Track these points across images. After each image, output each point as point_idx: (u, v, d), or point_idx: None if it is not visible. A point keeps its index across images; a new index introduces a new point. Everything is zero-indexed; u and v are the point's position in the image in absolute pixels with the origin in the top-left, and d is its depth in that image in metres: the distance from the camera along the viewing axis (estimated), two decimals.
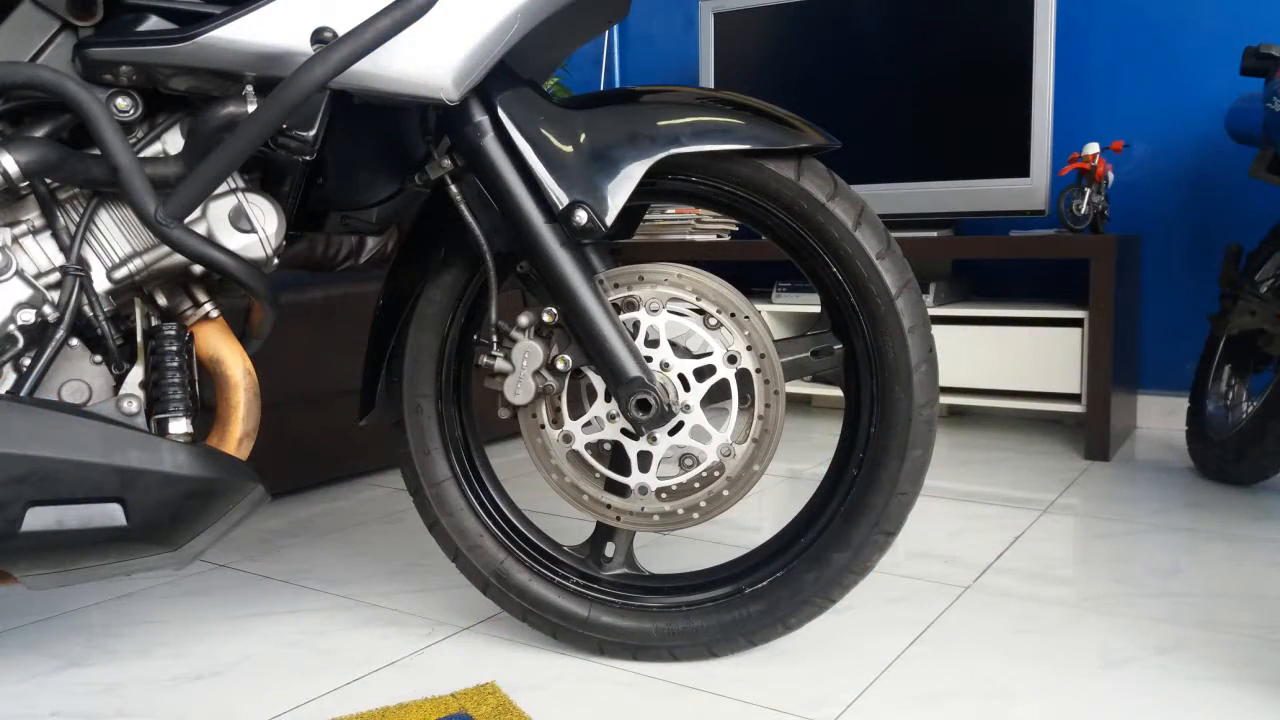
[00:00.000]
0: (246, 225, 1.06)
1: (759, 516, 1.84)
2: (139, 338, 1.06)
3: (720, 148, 1.08)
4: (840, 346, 1.16)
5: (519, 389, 1.11)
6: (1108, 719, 1.07)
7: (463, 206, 1.12)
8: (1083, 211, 2.30)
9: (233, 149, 0.96)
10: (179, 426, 1.04)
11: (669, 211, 2.85)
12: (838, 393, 2.09)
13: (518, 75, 1.12)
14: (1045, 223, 2.58)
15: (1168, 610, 1.36)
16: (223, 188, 1.05)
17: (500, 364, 1.11)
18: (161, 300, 1.08)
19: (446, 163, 1.12)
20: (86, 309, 1.03)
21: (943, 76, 2.52)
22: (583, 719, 1.09)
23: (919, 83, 2.55)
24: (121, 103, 1.03)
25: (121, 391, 1.04)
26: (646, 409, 1.09)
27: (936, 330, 2.46)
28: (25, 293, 1.01)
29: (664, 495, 1.13)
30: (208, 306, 1.10)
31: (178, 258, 1.05)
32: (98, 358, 1.04)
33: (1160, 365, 2.58)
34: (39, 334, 1.02)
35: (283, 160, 1.05)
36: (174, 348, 1.05)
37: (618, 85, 3.39)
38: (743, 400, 1.11)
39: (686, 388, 1.11)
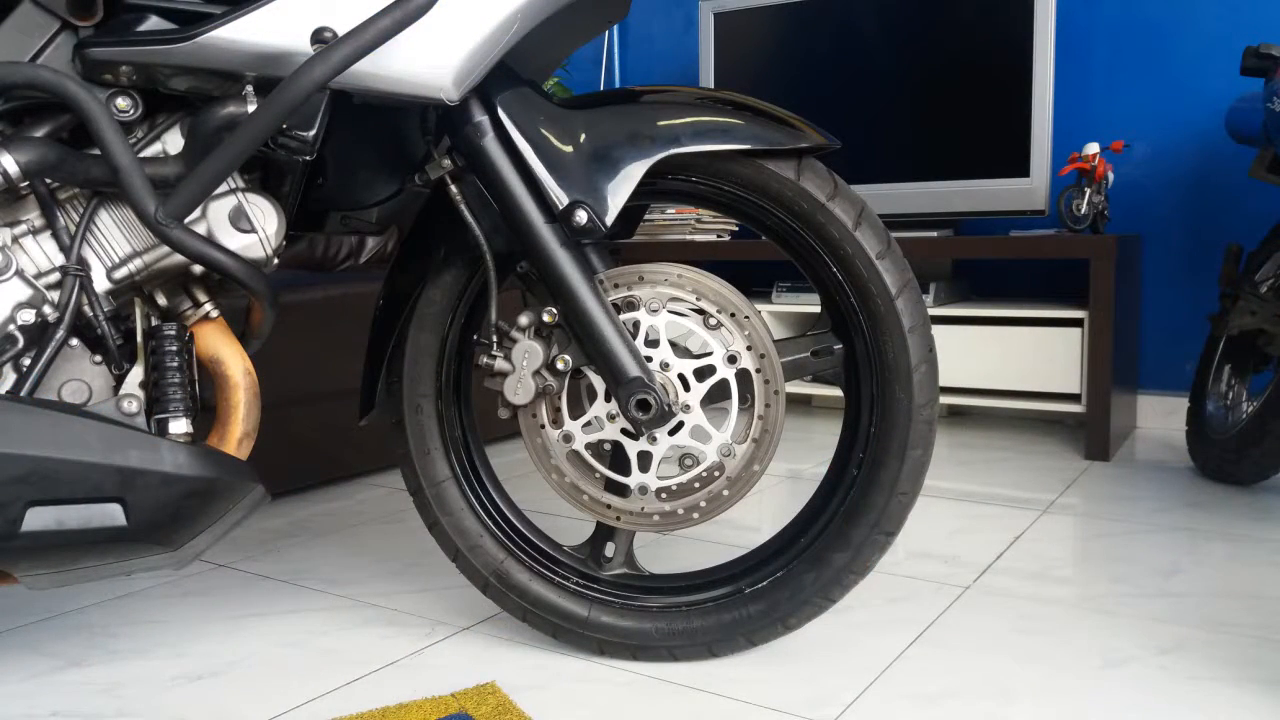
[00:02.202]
0: (246, 225, 1.06)
1: (759, 516, 1.84)
2: (139, 338, 1.06)
3: (720, 148, 1.08)
4: (840, 346, 1.16)
5: (519, 389, 1.11)
6: (1108, 719, 1.07)
7: (463, 206, 1.12)
8: (1083, 211, 2.30)
9: (233, 149, 0.96)
10: (179, 426, 1.04)
11: (669, 211, 2.85)
12: (838, 393, 2.09)
13: (518, 75, 1.12)
14: (1045, 223, 2.58)
15: (1168, 610, 1.36)
16: (223, 188, 1.05)
17: (500, 364, 1.11)
18: (161, 300, 1.08)
19: (446, 163, 1.12)
20: (86, 309, 1.03)
21: (943, 76, 2.52)
22: (583, 719, 1.09)
23: (919, 83, 2.55)
24: (121, 103, 1.03)
25: (121, 391, 1.04)
26: (646, 409, 1.09)
27: (936, 330, 2.46)
28: (25, 293, 1.01)
29: (664, 495, 1.13)
30: (208, 306, 1.10)
31: (178, 258, 1.05)
32: (98, 358, 1.04)
33: (1160, 365, 2.58)
34: (39, 334, 1.02)
35: (283, 160, 1.05)
36: (174, 348, 1.05)
37: (618, 85, 3.39)
38: (743, 400, 1.11)
39: (686, 388, 1.11)
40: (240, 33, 0.98)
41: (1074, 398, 2.32)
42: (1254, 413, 1.85)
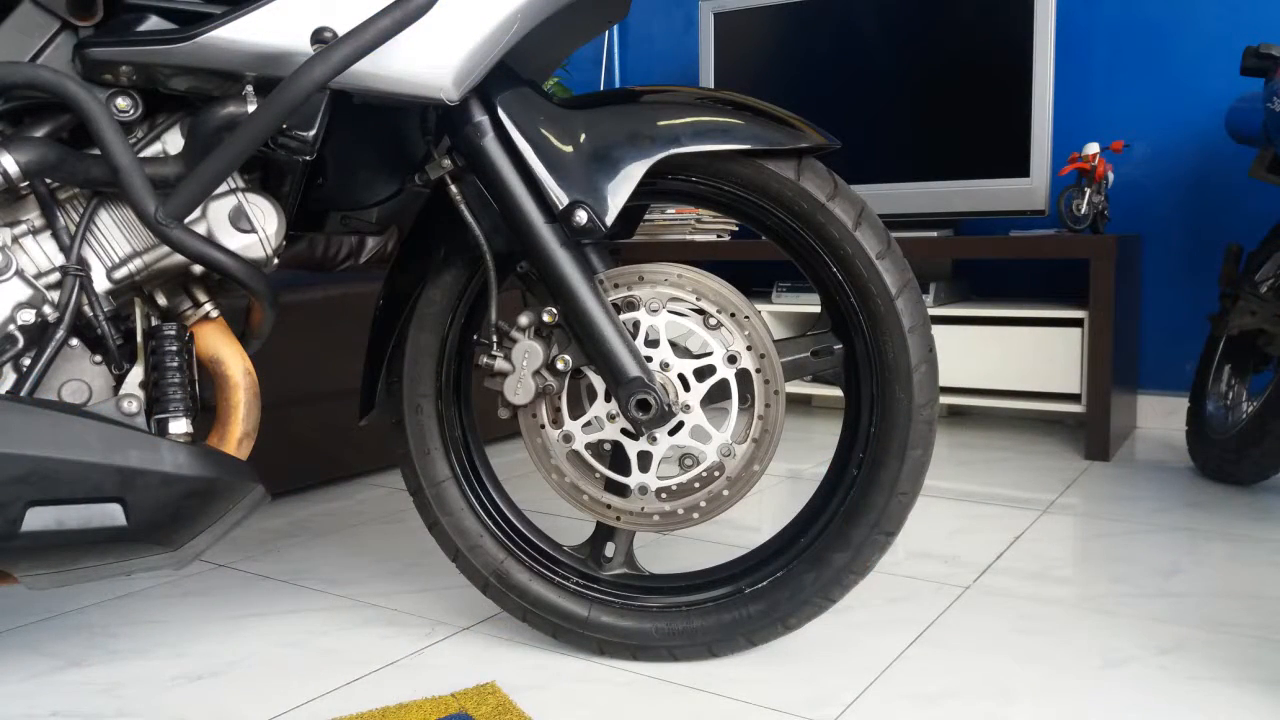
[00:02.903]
0: (246, 225, 1.06)
1: (759, 516, 1.84)
2: (139, 338, 1.06)
3: (720, 148, 1.08)
4: (840, 346, 1.16)
5: (519, 389, 1.11)
6: (1107, 719, 1.07)
7: (463, 206, 1.12)
8: (1083, 211, 2.30)
9: (233, 149, 0.96)
10: (179, 426, 1.04)
11: (669, 211, 2.85)
12: (838, 393, 2.09)
13: (518, 75, 1.12)
14: (1045, 223, 2.58)
15: (1168, 610, 1.36)
16: (223, 188, 1.05)
17: (500, 364, 1.11)
18: (161, 300, 1.08)
19: (446, 163, 1.12)
20: (86, 309, 1.03)
21: (943, 76, 2.52)
22: (583, 719, 1.09)
23: (919, 83, 2.55)
24: (121, 103, 1.03)
25: (121, 391, 1.04)
26: (646, 409, 1.09)
27: (936, 330, 2.46)
28: (25, 293, 1.01)
29: (664, 495, 1.13)
30: (208, 306, 1.10)
31: (178, 258, 1.05)
32: (98, 358, 1.04)
33: (1160, 365, 2.58)
34: (39, 334, 1.02)
35: (283, 160, 1.05)
36: (174, 348, 1.05)
37: (618, 85, 3.39)
38: (743, 400, 1.11)
39: (686, 388, 1.11)
40: (240, 33, 0.98)
41: (1074, 398, 2.32)
42: (1254, 413, 1.85)
